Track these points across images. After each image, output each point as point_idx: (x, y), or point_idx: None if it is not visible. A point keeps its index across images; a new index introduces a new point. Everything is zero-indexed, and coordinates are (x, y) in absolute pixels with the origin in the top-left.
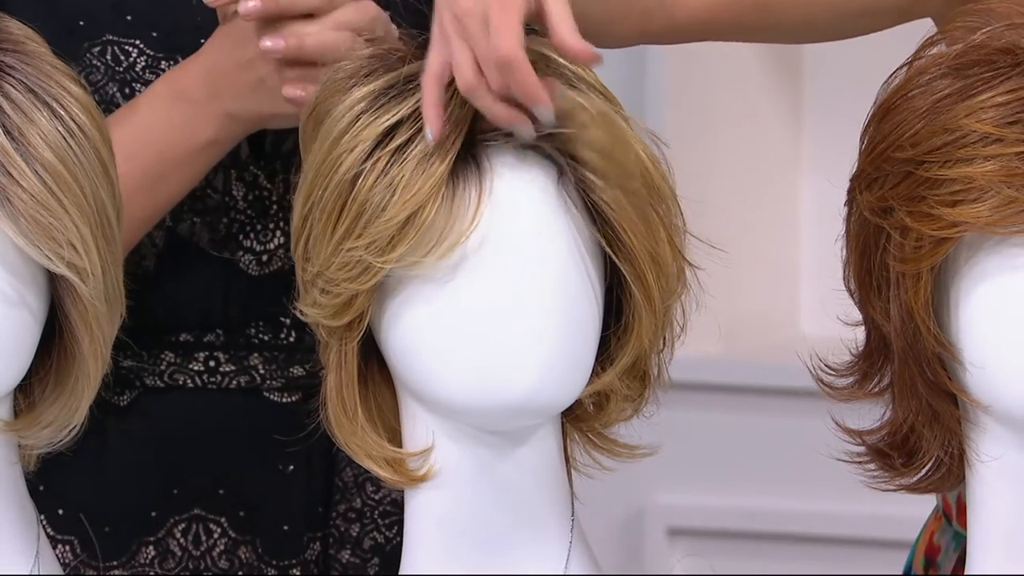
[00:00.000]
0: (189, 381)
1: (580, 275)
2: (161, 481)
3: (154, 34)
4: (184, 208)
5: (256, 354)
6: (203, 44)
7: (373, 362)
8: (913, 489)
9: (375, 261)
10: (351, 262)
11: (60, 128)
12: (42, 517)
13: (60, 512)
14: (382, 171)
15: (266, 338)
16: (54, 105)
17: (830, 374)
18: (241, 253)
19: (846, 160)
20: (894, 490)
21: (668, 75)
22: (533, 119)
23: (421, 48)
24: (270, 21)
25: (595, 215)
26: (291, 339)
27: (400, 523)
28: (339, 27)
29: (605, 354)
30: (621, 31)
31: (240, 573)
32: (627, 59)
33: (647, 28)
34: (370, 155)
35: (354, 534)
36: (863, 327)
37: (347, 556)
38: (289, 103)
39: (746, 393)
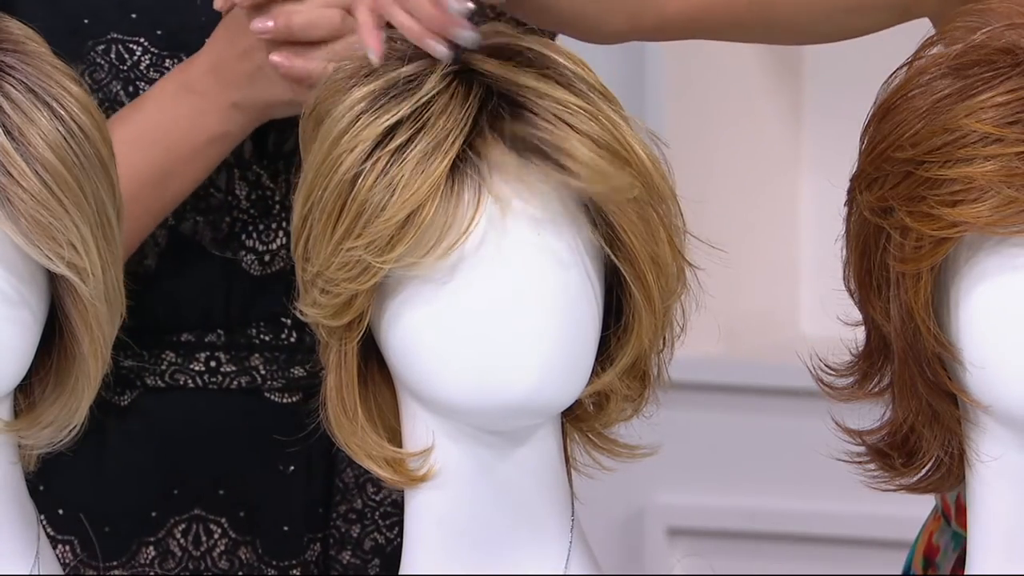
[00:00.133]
0: (190, 381)
1: (580, 275)
2: (161, 481)
3: (159, 32)
4: (187, 207)
5: (257, 354)
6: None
7: (373, 362)
8: (913, 489)
9: (374, 261)
10: (351, 262)
11: (60, 128)
12: (42, 517)
13: (60, 512)
14: (382, 171)
15: (267, 338)
16: (54, 105)
17: (830, 374)
18: (243, 253)
19: (846, 160)
20: (894, 490)
21: (668, 75)
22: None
23: (421, 48)
24: (261, 5)
25: (595, 215)
26: (292, 339)
27: (401, 524)
28: (328, 4)
29: (605, 354)
30: (612, 26)
31: (240, 573)
32: (627, 59)
33: (638, 23)
34: (370, 155)
35: (355, 535)
36: (863, 327)
37: (348, 557)
38: (284, 77)
39: (746, 393)
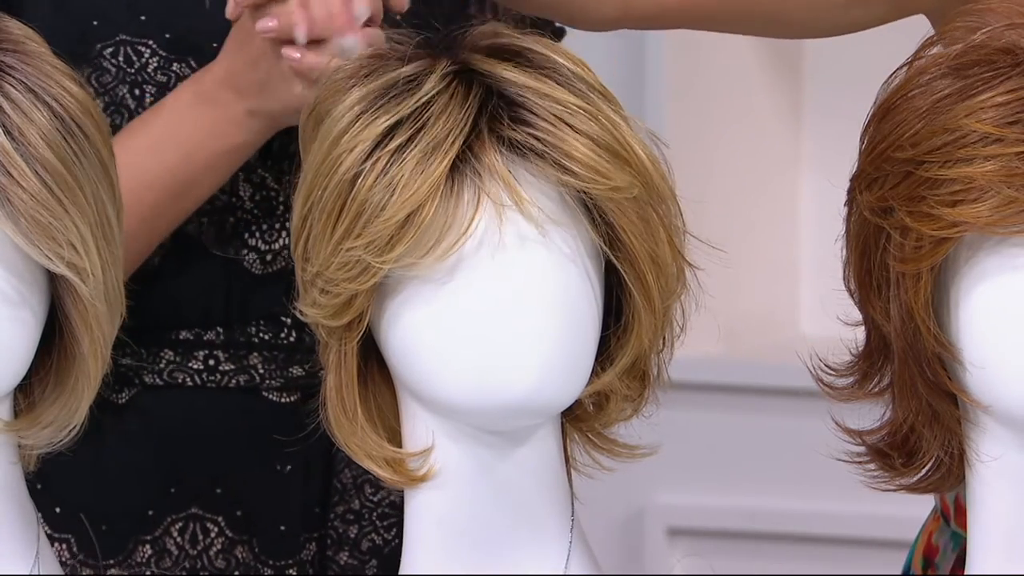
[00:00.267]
0: (188, 379)
1: (580, 275)
2: (159, 480)
3: (167, 35)
4: None
5: (256, 353)
6: (215, 47)
7: (373, 362)
8: (913, 489)
9: (374, 261)
10: (350, 262)
11: (60, 128)
12: (39, 515)
13: (57, 510)
14: (381, 171)
15: (266, 337)
16: (54, 105)
17: (830, 374)
18: (246, 252)
19: (846, 160)
20: (894, 490)
21: (668, 75)
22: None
23: (421, 48)
24: (263, 6)
25: (594, 215)
26: (291, 339)
27: (398, 525)
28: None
29: (605, 354)
30: (602, 12)
31: (236, 573)
32: (627, 59)
33: (629, 10)
34: (370, 155)
35: (352, 536)
36: (863, 327)
37: (345, 558)
38: (296, 73)
39: (746, 393)
